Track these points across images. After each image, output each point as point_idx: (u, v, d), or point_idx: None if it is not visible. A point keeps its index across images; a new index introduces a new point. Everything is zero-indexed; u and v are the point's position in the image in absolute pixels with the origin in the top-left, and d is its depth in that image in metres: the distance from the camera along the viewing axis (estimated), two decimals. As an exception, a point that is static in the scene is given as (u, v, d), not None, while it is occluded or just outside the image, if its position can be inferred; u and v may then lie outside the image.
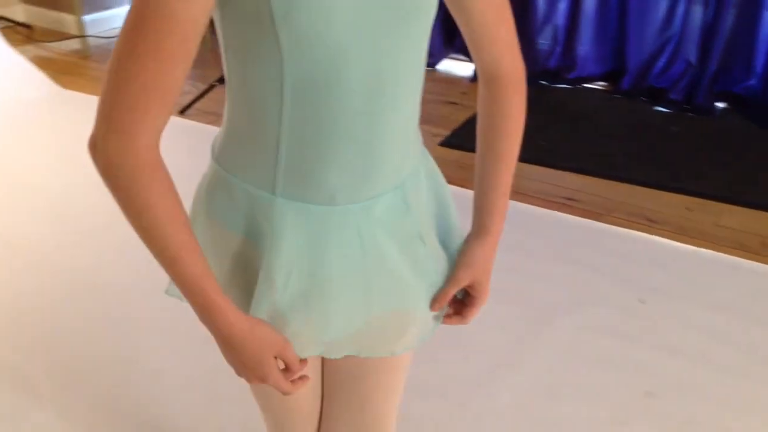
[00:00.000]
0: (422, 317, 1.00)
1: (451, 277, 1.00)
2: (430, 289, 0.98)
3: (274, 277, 0.87)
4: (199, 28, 0.73)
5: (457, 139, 3.01)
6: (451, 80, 3.73)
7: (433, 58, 3.77)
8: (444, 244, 1.02)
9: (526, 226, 2.40)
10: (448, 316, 1.04)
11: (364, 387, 1.11)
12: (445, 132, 3.10)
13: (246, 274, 0.91)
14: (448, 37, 3.69)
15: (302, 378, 0.93)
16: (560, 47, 3.55)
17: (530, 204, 2.55)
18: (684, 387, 1.81)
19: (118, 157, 0.74)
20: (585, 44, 3.51)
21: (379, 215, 0.90)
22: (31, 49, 3.89)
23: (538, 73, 3.52)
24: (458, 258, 1.01)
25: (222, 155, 0.90)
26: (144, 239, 0.79)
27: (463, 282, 1.00)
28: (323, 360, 1.09)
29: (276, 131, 0.82)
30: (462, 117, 3.23)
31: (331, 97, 0.80)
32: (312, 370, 1.06)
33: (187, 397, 1.72)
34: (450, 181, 1.06)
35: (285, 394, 0.92)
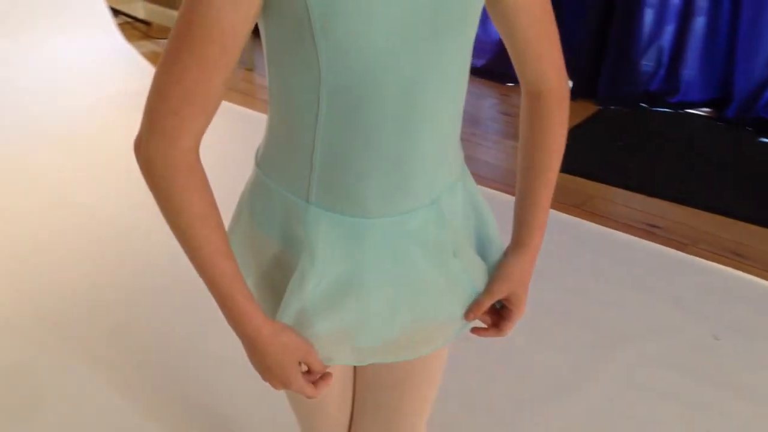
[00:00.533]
0: (452, 327, 1.00)
1: (487, 289, 1.00)
2: (463, 301, 0.98)
3: (305, 282, 0.88)
4: (240, 39, 0.76)
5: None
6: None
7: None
8: (483, 257, 1.01)
9: (603, 250, 2.34)
10: (485, 329, 1.04)
11: (393, 398, 1.11)
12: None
13: (280, 275, 0.93)
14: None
15: (324, 377, 0.93)
16: (664, 70, 3.43)
17: (611, 228, 2.48)
18: (748, 432, 1.72)
19: (158, 157, 0.78)
20: (691, 68, 3.38)
21: (413, 229, 0.91)
22: (147, 44, 4.11)
23: (638, 95, 3.42)
24: (495, 271, 1.01)
25: (263, 161, 0.92)
26: (179, 239, 0.82)
27: (498, 294, 0.99)
28: (355, 372, 1.11)
29: (311, 140, 0.84)
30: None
31: (365, 108, 0.81)
32: (342, 380, 1.08)
33: (245, 385, 1.78)
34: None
35: (309, 398, 0.93)
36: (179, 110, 0.76)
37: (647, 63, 3.47)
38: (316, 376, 0.92)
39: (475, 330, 1.04)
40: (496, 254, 1.03)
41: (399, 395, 1.11)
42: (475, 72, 3.58)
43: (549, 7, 0.90)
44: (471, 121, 3.37)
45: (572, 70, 3.12)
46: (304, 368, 0.92)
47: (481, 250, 1.02)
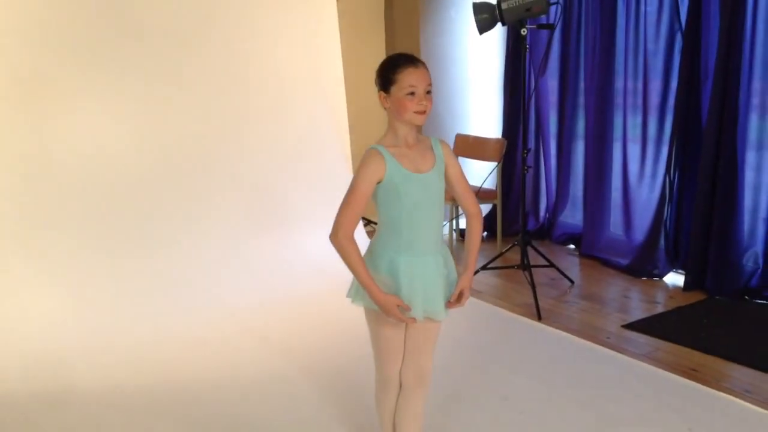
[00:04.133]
0: (444, 308, 2.21)
1: (456, 287, 2.23)
2: (446, 296, 2.20)
3: (400, 287, 2.13)
4: (369, 194, 2.09)
5: (643, 325, 3.95)
6: (665, 287, 4.62)
7: (659, 270, 4.72)
8: (450, 279, 2.25)
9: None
10: (453, 304, 2.24)
11: (422, 342, 2.30)
12: (630, 319, 4.06)
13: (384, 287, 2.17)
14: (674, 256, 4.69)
15: (411, 318, 2.17)
16: (761, 269, 4.30)
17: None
18: None
19: (337, 238, 2.06)
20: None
21: (431, 262, 2.18)
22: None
23: (740, 289, 4.28)
24: (458, 282, 2.25)
25: (375, 242, 2.22)
26: (348, 267, 2.10)
27: (459, 289, 2.24)
28: (407, 325, 2.25)
29: (398, 229, 2.13)
30: (656, 311, 4.17)
31: (416, 214, 2.12)
32: (402, 332, 2.28)
33: None
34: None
35: (398, 320, 2.15)
36: (346, 221, 2.07)
37: (746, 263, 4.35)
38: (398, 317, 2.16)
39: (447, 304, 2.24)
40: (453, 277, 2.28)
41: (425, 339, 2.30)
42: (621, 268, 4.83)
43: (463, 175, 2.27)
44: (623, 308, 4.37)
45: (683, 264, 4.17)
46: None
47: (450, 278, 2.26)
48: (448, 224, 5.45)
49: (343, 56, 5.09)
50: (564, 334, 3.83)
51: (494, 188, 5.44)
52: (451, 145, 5.69)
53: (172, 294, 4.00)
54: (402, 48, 5.71)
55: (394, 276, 2.14)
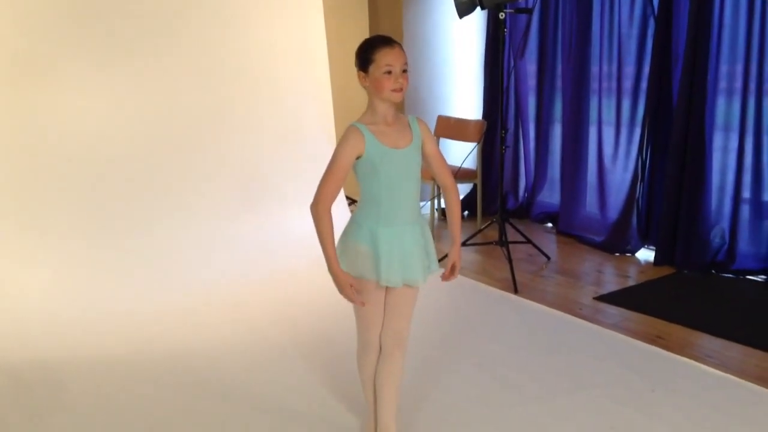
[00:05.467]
0: (421, 274, 2.37)
1: (447, 260, 2.42)
2: (425, 265, 2.38)
3: (380, 256, 2.27)
4: (348, 168, 2.24)
5: (614, 297, 4.14)
6: (636, 263, 4.82)
7: (631, 246, 4.92)
8: (427, 251, 2.41)
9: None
10: (446, 277, 2.45)
11: (400, 306, 2.44)
12: (602, 292, 4.26)
13: (357, 256, 2.32)
14: (645, 233, 4.88)
15: (360, 301, 2.35)
16: (726, 245, 4.51)
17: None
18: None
19: (316, 209, 2.24)
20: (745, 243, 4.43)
21: (409, 231, 2.33)
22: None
23: (707, 264, 4.49)
24: (449, 254, 2.44)
25: (356, 214, 2.35)
26: (318, 236, 2.25)
27: (450, 262, 2.42)
28: (386, 291, 2.40)
29: (378, 202, 2.26)
30: (627, 284, 4.35)
31: (392, 190, 2.27)
32: (382, 298, 2.42)
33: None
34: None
35: (351, 302, 2.34)
36: (325, 194, 2.22)
37: (713, 239, 4.56)
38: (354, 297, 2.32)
39: (443, 277, 2.45)
40: (431, 250, 2.43)
41: (403, 304, 2.44)
42: (596, 245, 4.95)
43: (439, 151, 2.44)
44: (597, 282, 4.56)
45: (654, 241, 4.38)
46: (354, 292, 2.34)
47: (428, 247, 2.42)
48: (429, 203, 5.61)
49: (327, 38, 5.22)
50: (538, 305, 4.02)
51: (474, 168, 5.61)
52: (433, 126, 5.88)
53: (161, 268, 4.15)
54: (385, 30, 5.85)
55: (374, 245, 2.29)
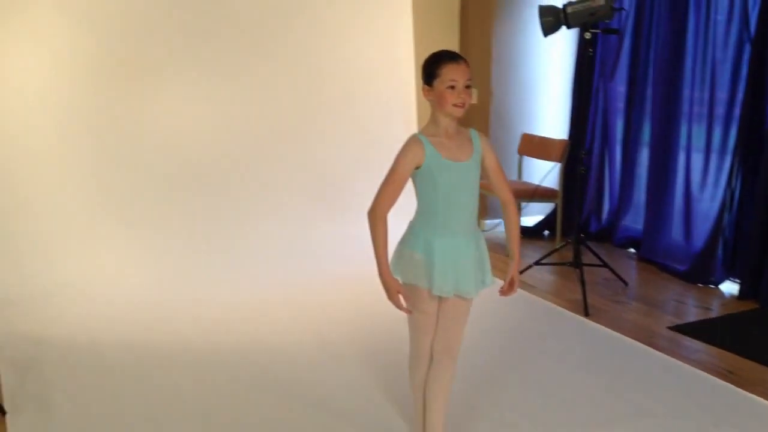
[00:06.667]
0: (474, 287, 2.38)
1: (507, 277, 2.44)
2: (478, 278, 2.41)
3: (434, 266, 2.31)
4: (406, 178, 2.28)
5: (688, 328, 4.01)
6: (719, 295, 4.66)
7: (715, 277, 4.76)
8: (482, 264, 2.43)
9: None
10: (504, 292, 2.48)
11: (454, 317, 2.47)
12: (679, 322, 4.13)
13: (411, 265, 2.38)
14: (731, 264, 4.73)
15: (407, 309, 2.39)
16: None
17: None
18: None
19: (372, 215, 2.28)
20: None
21: (465, 243, 2.37)
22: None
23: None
24: (508, 271, 2.45)
25: (414, 223, 2.38)
26: (372, 241, 2.30)
27: (509, 276, 2.45)
28: (440, 302, 2.44)
29: (435, 212, 2.30)
30: (706, 316, 4.23)
31: (451, 200, 2.29)
32: (436, 310, 2.45)
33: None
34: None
35: (396, 306, 2.36)
36: (382, 202, 2.27)
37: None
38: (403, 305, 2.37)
39: (501, 292, 2.48)
40: (487, 263, 2.46)
41: (455, 315, 2.47)
42: (678, 274, 4.90)
43: (500, 165, 2.45)
44: (674, 311, 4.46)
45: (739, 273, 4.20)
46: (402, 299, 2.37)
47: (482, 261, 2.44)
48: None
49: (417, 54, 5.31)
50: (606, 329, 3.95)
51: (557, 188, 5.56)
52: (516, 144, 5.86)
53: (238, 265, 4.34)
54: (475, 47, 5.90)
55: (428, 254, 2.34)
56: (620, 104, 5.68)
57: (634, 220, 5.66)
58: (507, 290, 2.47)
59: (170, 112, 4.47)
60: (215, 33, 4.55)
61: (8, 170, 4.17)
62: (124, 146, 4.39)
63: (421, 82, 2.40)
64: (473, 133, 2.42)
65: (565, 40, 5.87)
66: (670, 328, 4.02)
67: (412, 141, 2.32)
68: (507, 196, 2.48)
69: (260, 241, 4.58)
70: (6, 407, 2.90)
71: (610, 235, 5.82)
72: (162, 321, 3.86)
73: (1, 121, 4.14)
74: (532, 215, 6.16)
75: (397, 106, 5.28)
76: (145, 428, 2.83)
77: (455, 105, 2.29)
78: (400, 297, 2.35)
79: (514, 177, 5.98)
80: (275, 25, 4.72)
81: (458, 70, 2.28)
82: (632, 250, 5.63)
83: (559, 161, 5.43)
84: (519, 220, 2.54)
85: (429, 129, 2.37)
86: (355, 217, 4.89)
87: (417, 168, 2.31)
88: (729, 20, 4.70)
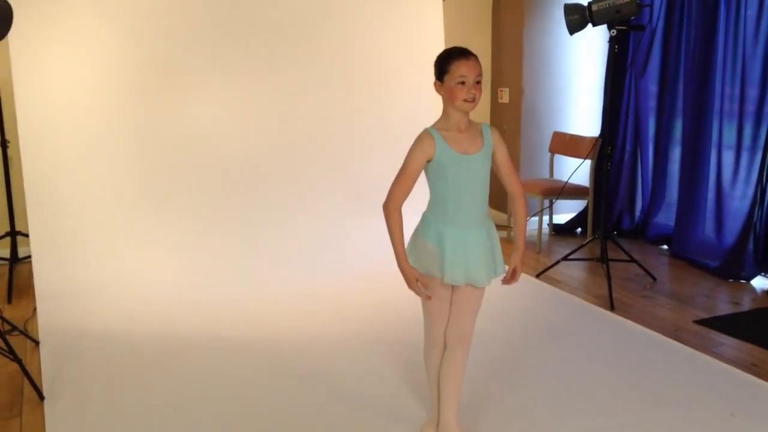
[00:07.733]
0: (486, 276, 2.44)
1: (510, 265, 2.49)
2: (490, 267, 2.47)
3: (445, 255, 2.39)
4: (418, 170, 2.39)
5: (715, 322, 4.03)
6: (751, 290, 4.65)
7: (746, 273, 4.76)
8: (494, 253, 2.49)
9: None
10: (507, 279, 2.55)
11: (465, 305, 2.55)
12: (707, 316, 4.13)
13: (425, 253, 2.45)
14: (762, 260, 4.71)
15: (426, 295, 2.48)
16: None
17: None
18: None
19: (387, 207, 2.40)
20: None
21: (474, 234, 2.43)
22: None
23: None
24: (511, 261, 2.52)
25: (426, 214, 2.47)
26: (389, 233, 2.39)
27: (512, 266, 2.52)
28: (453, 290, 2.52)
29: (446, 204, 2.39)
30: (733, 311, 4.24)
31: (461, 191, 2.37)
32: (448, 297, 2.54)
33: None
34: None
35: (418, 295, 2.47)
36: (396, 194, 2.37)
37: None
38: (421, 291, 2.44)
39: (504, 281, 2.55)
40: (498, 253, 2.52)
41: (467, 304, 2.54)
42: (709, 270, 4.91)
43: (510, 159, 2.53)
44: (703, 306, 4.47)
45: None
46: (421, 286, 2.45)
47: (494, 251, 2.50)
48: (538, 217, 5.65)
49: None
50: (630, 322, 3.99)
51: (588, 186, 5.59)
52: (548, 142, 5.91)
53: (273, 261, 4.50)
54: (507, 44, 5.97)
55: (440, 244, 2.43)
56: (652, 102, 5.69)
57: (667, 217, 5.67)
58: (509, 279, 2.55)
59: (208, 115, 4.64)
60: (253, 38, 4.71)
61: (53, 173, 4.39)
62: (163, 148, 4.58)
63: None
64: (485, 127, 2.50)
65: (596, 38, 5.90)
66: (696, 321, 4.04)
67: (424, 135, 2.42)
68: (517, 189, 2.55)
69: (293, 239, 4.72)
70: (45, 393, 3.09)
71: (643, 231, 5.84)
72: (194, 316, 4.02)
73: (48, 125, 4.36)
74: (565, 213, 6.19)
75: (427, 107, 5.38)
76: (175, 415, 2.97)
77: (465, 100, 2.37)
78: (419, 284, 2.44)
79: (545, 175, 6.03)
80: (308, 28, 4.86)
81: (468, 66, 2.37)
82: (665, 246, 5.64)
83: (589, 158, 5.47)
84: (527, 213, 2.61)
85: (440, 123, 2.47)
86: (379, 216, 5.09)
87: (429, 161, 2.41)
88: (759, 16, 4.69)
